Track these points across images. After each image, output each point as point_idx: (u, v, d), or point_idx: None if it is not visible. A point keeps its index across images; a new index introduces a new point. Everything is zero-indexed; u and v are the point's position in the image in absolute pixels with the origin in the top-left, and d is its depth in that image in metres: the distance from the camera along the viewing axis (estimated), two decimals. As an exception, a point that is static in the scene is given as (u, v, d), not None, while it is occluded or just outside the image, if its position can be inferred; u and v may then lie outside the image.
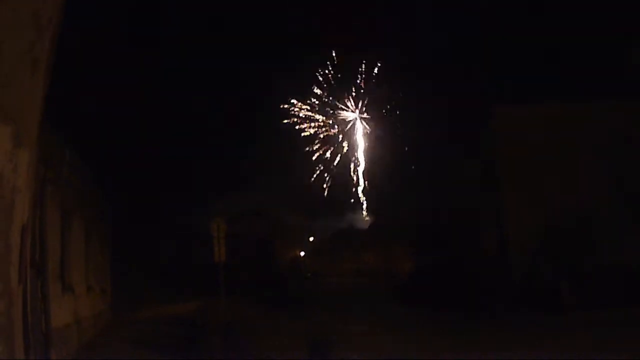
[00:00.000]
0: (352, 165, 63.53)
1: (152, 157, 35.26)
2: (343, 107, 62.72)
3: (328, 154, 63.21)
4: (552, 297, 19.40)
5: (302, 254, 66.48)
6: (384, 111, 61.71)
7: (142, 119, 33.87)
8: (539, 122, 23.60)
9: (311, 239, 70.17)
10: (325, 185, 62.86)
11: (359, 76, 61.84)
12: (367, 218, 70.14)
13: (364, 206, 67.08)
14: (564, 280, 19.85)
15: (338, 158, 63.96)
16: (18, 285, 3.27)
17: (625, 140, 22.35)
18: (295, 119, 61.83)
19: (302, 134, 62.10)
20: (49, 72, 4.08)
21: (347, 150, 63.48)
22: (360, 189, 63.74)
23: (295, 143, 63.04)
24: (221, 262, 19.02)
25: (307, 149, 62.67)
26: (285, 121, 61.49)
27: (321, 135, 63.16)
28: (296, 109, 61.44)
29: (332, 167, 63.48)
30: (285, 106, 60.97)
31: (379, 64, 60.60)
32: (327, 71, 61.81)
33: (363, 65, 61.33)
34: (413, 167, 51.84)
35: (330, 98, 62.35)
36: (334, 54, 61.20)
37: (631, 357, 10.29)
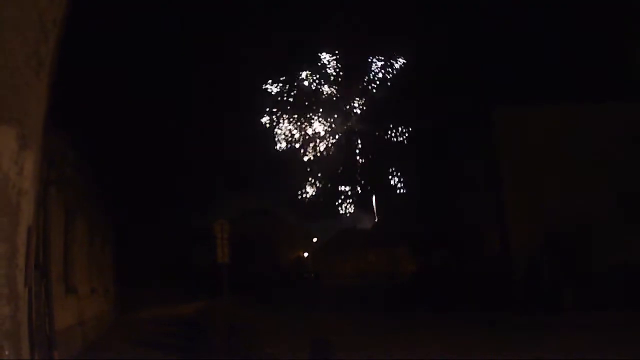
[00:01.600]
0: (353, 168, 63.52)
1: (154, 158, 35.24)
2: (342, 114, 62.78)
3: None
4: (553, 299, 19.41)
5: (306, 254, 66.41)
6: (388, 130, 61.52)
7: (145, 119, 33.86)
8: (540, 124, 23.60)
9: (314, 239, 70.10)
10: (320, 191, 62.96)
11: (360, 80, 61.83)
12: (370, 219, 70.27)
13: (366, 207, 67.15)
14: (565, 282, 19.85)
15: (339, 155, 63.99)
16: (24, 288, 3.26)
17: (626, 141, 22.35)
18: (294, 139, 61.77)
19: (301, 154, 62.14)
20: (52, 73, 4.09)
21: (347, 155, 63.46)
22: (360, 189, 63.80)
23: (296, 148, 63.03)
24: (224, 263, 18.98)
25: (306, 158, 62.66)
26: (286, 146, 61.30)
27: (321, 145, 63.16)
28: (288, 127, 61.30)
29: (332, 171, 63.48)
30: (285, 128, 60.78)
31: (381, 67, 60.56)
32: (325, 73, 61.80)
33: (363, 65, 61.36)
34: (414, 167, 51.79)
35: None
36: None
37: (631, 357, 10.30)
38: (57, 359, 9.29)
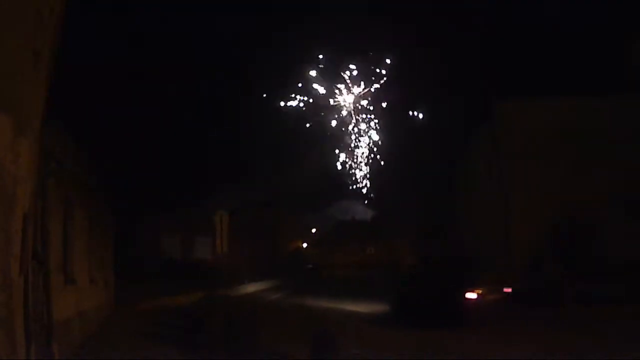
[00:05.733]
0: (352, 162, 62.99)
1: (156, 149, 35.29)
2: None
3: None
4: (554, 293, 19.37)
5: (305, 245, 66.33)
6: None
7: (146, 111, 33.90)
8: (542, 117, 23.60)
9: (313, 230, 70.03)
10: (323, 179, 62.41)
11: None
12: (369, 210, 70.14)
13: (367, 199, 66.80)
14: (566, 276, 19.84)
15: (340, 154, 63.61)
16: (19, 276, 3.26)
17: (628, 136, 22.34)
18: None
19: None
20: (52, 64, 4.08)
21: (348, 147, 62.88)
22: (362, 182, 63.36)
23: (296, 137, 62.40)
24: (223, 254, 19.03)
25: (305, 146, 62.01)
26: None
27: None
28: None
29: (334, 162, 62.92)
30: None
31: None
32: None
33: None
34: (415, 162, 51.63)
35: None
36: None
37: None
38: (56, 351, 9.31)
